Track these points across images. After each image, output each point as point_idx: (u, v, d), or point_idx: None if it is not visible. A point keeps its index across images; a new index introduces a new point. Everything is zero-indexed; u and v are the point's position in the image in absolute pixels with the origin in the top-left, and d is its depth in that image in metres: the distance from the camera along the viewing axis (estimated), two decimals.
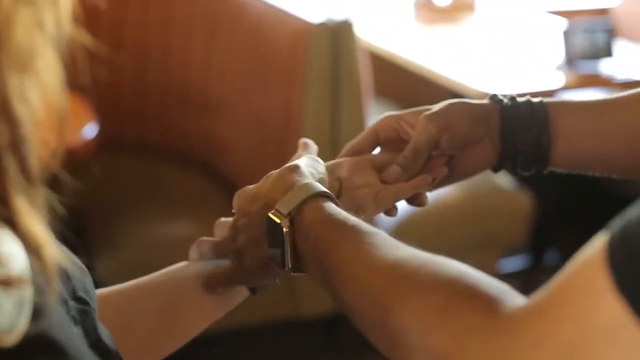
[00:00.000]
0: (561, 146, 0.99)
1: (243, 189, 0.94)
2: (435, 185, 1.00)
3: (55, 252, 0.57)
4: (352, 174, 0.98)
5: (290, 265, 0.85)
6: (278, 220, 0.84)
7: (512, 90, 2.78)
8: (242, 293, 0.96)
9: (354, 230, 0.80)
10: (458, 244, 2.69)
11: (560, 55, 2.96)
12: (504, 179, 2.79)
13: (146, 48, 2.91)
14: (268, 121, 2.60)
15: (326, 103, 2.47)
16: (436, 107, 1.00)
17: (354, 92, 2.48)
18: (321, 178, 0.90)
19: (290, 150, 2.58)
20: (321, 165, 0.93)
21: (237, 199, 0.93)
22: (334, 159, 2.55)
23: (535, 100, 1.01)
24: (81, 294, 0.70)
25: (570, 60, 2.93)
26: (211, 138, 2.84)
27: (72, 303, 0.68)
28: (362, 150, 1.02)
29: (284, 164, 2.85)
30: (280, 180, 0.88)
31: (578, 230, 3.57)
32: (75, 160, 2.32)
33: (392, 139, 1.02)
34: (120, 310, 0.92)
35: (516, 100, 1.01)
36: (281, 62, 2.54)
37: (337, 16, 2.48)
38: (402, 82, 3.52)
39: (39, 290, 0.57)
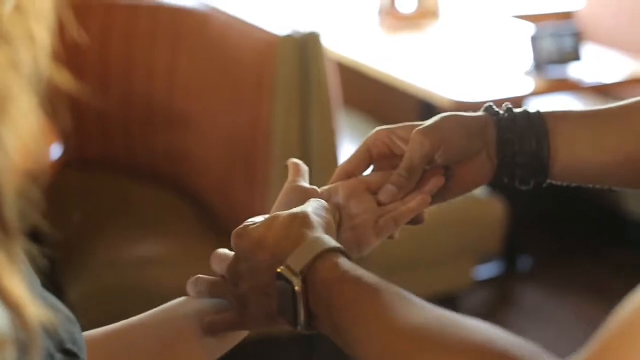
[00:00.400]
0: (561, 158, 0.97)
1: (243, 227, 0.89)
2: (434, 201, 0.97)
3: (37, 310, 0.54)
4: (349, 200, 0.95)
5: (303, 325, 0.82)
6: (290, 279, 0.81)
7: (481, 97, 2.80)
8: (243, 332, 0.93)
9: (370, 288, 0.77)
10: (434, 253, 2.69)
11: (529, 61, 2.97)
12: (482, 190, 2.78)
13: (108, 63, 2.87)
14: (236, 136, 2.58)
15: (295, 116, 2.45)
16: (429, 122, 0.97)
17: (324, 104, 2.46)
18: (327, 222, 0.87)
19: (259, 165, 2.57)
20: (325, 209, 0.89)
21: (238, 239, 0.87)
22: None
23: (533, 111, 0.99)
24: (69, 346, 0.68)
25: (539, 65, 2.94)
26: (178, 154, 2.82)
27: (59, 356, 0.66)
28: (356, 170, 0.99)
29: (253, 180, 2.79)
30: (289, 231, 0.84)
31: (551, 236, 3.59)
32: (41, 182, 2.28)
33: (384, 154, 0.99)
34: (112, 354, 0.88)
35: (513, 112, 0.98)
36: (248, 76, 2.52)
37: (304, 28, 2.46)
38: (370, 92, 3.52)
39: (22, 350, 0.54)
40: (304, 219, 0.85)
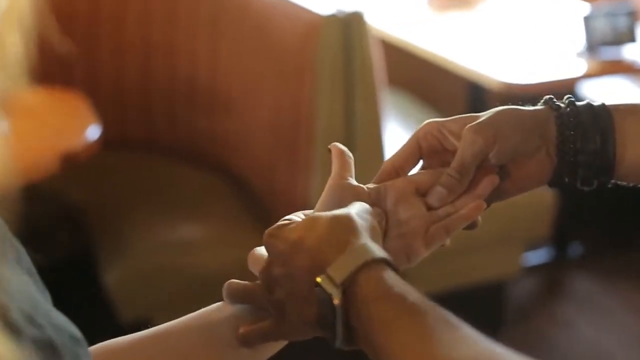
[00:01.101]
0: (629, 157, 0.90)
1: (277, 226, 0.82)
2: (487, 202, 0.90)
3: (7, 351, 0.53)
4: (397, 205, 0.89)
5: (341, 341, 0.76)
6: (329, 291, 0.75)
7: (532, 79, 2.75)
8: (277, 345, 0.87)
9: (414, 309, 0.72)
10: (481, 239, 2.65)
11: (581, 41, 2.90)
12: None
13: (150, 46, 2.87)
14: (279, 118, 2.56)
15: (339, 97, 2.42)
16: (483, 116, 0.91)
17: (368, 84, 2.42)
18: (373, 227, 0.81)
19: (302, 148, 2.55)
20: (369, 213, 0.83)
21: (271, 240, 0.81)
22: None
23: (597, 104, 0.92)
24: None
25: (592, 46, 2.87)
26: (221, 136, 2.81)
27: None
28: (405, 165, 0.93)
29: (296, 164, 2.78)
30: (331, 235, 0.78)
31: (603, 222, 3.53)
32: (78, 163, 2.29)
33: (434, 149, 0.93)
34: None
35: (575, 105, 0.91)
36: (291, 57, 2.49)
37: (347, 7, 2.43)
38: (417, 72, 3.47)
39: None
40: (348, 222, 0.79)
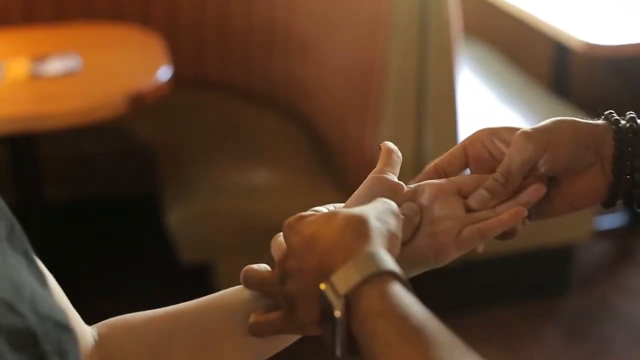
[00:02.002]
0: None
1: (297, 217, 0.80)
2: (533, 216, 0.88)
3: None
4: (434, 201, 0.86)
5: (340, 354, 0.73)
6: (331, 300, 0.73)
7: (618, 40, 2.68)
8: (294, 336, 0.85)
9: (417, 334, 0.68)
10: None
11: None
12: None
13: None
14: (353, 66, 2.55)
15: (413, 49, 2.40)
16: (539, 125, 0.87)
17: (443, 36, 2.40)
18: (391, 233, 0.78)
19: (373, 98, 2.53)
20: (393, 214, 0.80)
21: (289, 232, 0.79)
22: (419, 113, 2.46)
23: None
24: (55, 358, 0.65)
25: None
26: (295, 80, 2.81)
27: None
28: (447, 168, 0.90)
29: (366, 114, 2.77)
30: (341, 238, 0.75)
31: None
32: (147, 104, 2.31)
33: (482, 157, 0.90)
34: (149, 344, 0.83)
35: (636, 121, 0.88)
36: (367, 5, 2.48)
37: None
38: (498, 23, 3.41)
39: None
40: (360, 224, 0.76)
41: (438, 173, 0.90)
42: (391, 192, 0.86)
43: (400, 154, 0.91)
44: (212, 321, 0.84)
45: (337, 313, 0.72)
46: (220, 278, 2.48)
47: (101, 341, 0.83)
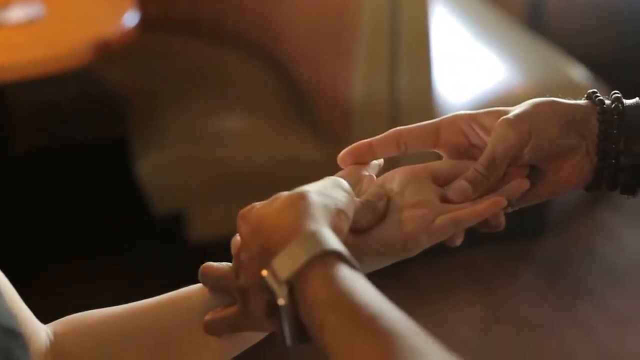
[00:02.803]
0: None
1: (250, 207, 0.76)
2: (515, 204, 0.84)
3: None
4: (405, 186, 0.81)
5: (290, 343, 0.69)
6: (274, 289, 0.68)
7: None
8: (258, 334, 0.81)
9: (371, 326, 0.63)
10: None
11: None
12: (579, 72, 2.70)
13: None
14: (325, 5, 2.54)
15: None
16: (518, 109, 0.83)
17: None
18: (338, 208, 0.73)
19: (346, 38, 2.51)
20: (340, 189, 0.76)
21: (241, 221, 0.75)
22: (392, 52, 2.44)
23: None
24: None
25: None
26: (267, 20, 2.78)
27: None
28: (412, 143, 0.84)
29: (340, 54, 2.74)
30: (282, 219, 0.71)
31: None
32: (115, 50, 2.29)
33: (457, 142, 0.85)
34: (101, 345, 0.80)
35: (622, 101, 0.84)
36: None
37: None
38: None
39: None
40: (299, 200, 0.71)
41: (399, 143, 0.85)
42: (359, 182, 0.83)
43: (382, 162, 0.86)
44: (170, 320, 0.80)
45: (281, 301, 0.68)
46: (194, 227, 2.48)
47: (56, 341, 0.81)
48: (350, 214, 0.75)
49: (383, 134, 0.85)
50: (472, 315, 2.53)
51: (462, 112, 0.86)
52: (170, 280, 2.70)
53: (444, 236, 0.80)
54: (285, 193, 0.73)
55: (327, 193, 0.74)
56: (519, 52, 2.81)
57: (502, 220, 0.82)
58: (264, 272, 0.69)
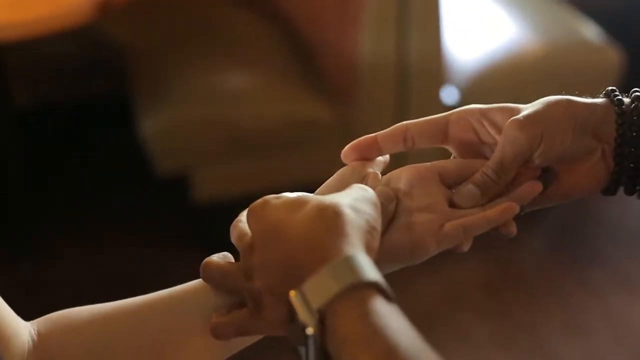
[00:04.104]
0: None
1: (262, 202, 0.72)
2: (526, 207, 0.81)
3: None
4: (413, 188, 0.79)
5: None
6: (303, 316, 0.65)
7: None
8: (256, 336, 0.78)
9: None
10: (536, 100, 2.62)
11: None
12: (591, 31, 2.69)
13: None
14: None
15: None
16: (530, 108, 0.80)
17: None
18: (369, 225, 0.70)
19: None
20: (370, 203, 0.73)
21: (253, 219, 0.72)
22: (400, 12, 2.40)
23: None
24: None
25: None
26: None
27: None
28: (420, 138, 0.82)
29: (346, 13, 2.70)
30: (312, 235, 0.67)
31: None
32: (117, 7, 2.28)
33: (467, 139, 0.82)
34: (91, 349, 0.76)
35: None
36: None
37: None
38: None
39: None
40: (334, 216, 0.68)
41: (405, 138, 0.82)
42: (364, 180, 0.81)
43: (388, 158, 0.84)
44: (167, 320, 0.76)
45: (310, 330, 0.65)
46: (199, 188, 2.49)
47: (40, 342, 0.76)
48: (380, 228, 0.72)
49: (389, 129, 0.83)
50: (481, 279, 2.55)
51: (473, 106, 0.83)
52: (175, 243, 2.73)
53: (453, 243, 0.77)
54: (313, 198, 0.71)
55: (359, 208, 0.71)
56: (530, 9, 2.79)
57: (514, 227, 0.79)
58: (292, 293, 0.66)
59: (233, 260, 0.76)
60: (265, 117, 2.48)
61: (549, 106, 0.79)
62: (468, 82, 2.50)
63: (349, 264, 0.65)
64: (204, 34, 2.75)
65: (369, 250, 0.69)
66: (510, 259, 2.64)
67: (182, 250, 2.47)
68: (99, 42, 2.85)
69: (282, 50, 2.69)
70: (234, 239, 0.75)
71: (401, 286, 0.76)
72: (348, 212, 0.69)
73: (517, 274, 2.59)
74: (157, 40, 2.74)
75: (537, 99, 2.75)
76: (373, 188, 0.78)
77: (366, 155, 0.83)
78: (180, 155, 2.49)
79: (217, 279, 0.75)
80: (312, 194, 0.75)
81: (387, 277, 0.68)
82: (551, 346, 2.36)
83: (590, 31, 2.67)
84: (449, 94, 2.47)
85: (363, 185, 0.76)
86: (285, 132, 2.47)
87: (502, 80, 2.55)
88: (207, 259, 0.75)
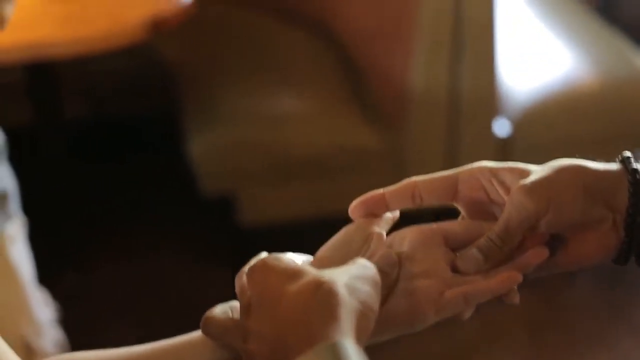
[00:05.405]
0: None
1: (260, 263, 0.73)
2: (532, 273, 0.80)
3: None
4: (416, 250, 0.79)
5: None
6: None
7: None
8: None
9: None
10: (593, 135, 2.60)
11: None
12: None
13: None
14: None
15: None
16: (538, 173, 0.78)
17: None
18: (365, 305, 0.70)
19: (407, 19, 2.49)
20: (371, 281, 0.72)
21: (251, 278, 0.73)
22: (454, 40, 2.39)
23: None
24: None
25: None
26: None
27: None
28: (428, 196, 0.81)
29: (399, 36, 2.69)
30: (306, 311, 0.67)
31: None
32: (171, 26, 2.31)
33: (476, 197, 0.81)
34: None
35: None
36: None
37: None
38: None
39: None
40: (328, 296, 0.67)
41: (414, 196, 0.81)
42: (368, 240, 0.80)
43: (397, 214, 0.83)
44: None
45: None
46: (244, 211, 2.50)
47: None
48: (377, 308, 0.71)
49: (397, 185, 0.82)
50: (524, 316, 2.52)
51: (483, 164, 0.81)
52: (216, 264, 2.75)
53: (453, 312, 0.77)
54: (309, 273, 0.70)
55: (356, 287, 0.70)
56: (588, 41, 2.78)
57: (517, 296, 0.78)
58: None
59: (236, 313, 0.76)
60: (313, 142, 2.49)
61: (559, 172, 0.78)
62: (521, 114, 2.49)
63: (334, 351, 0.65)
64: (256, 53, 2.78)
65: (360, 332, 0.68)
66: (556, 297, 2.61)
67: (226, 271, 2.47)
68: (150, 60, 2.89)
69: (333, 74, 2.71)
70: (236, 290, 0.75)
71: None
72: (343, 293, 0.68)
73: (562, 314, 2.56)
74: (208, 59, 2.77)
75: (591, 134, 2.73)
76: (376, 251, 0.78)
77: (373, 212, 0.82)
78: (226, 176, 2.50)
79: (216, 336, 0.76)
80: (310, 267, 0.73)
81: None
82: None
83: None
84: (501, 126, 2.46)
85: (365, 262, 0.74)
86: (334, 158, 2.48)
87: (556, 113, 2.54)
88: (208, 313, 0.76)
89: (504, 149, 2.42)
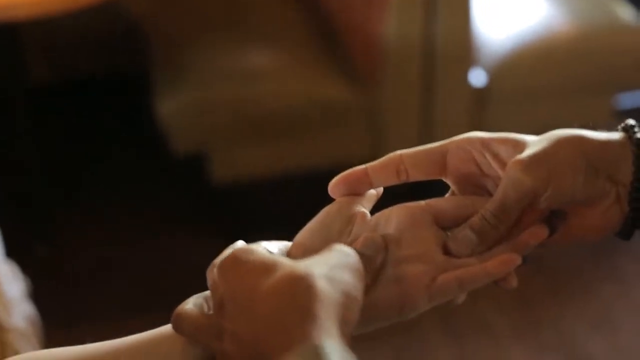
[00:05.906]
0: None
1: (231, 258, 0.67)
2: (526, 260, 0.75)
3: None
4: (403, 232, 0.73)
5: None
6: None
7: None
8: None
9: None
10: (570, 83, 2.59)
11: None
12: (626, 11, 2.65)
13: None
14: None
15: None
16: (536, 145, 0.73)
17: None
18: (347, 296, 0.64)
19: None
20: (352, 270, 0.66)
21: (221, 275, 0.67)
22: (429, 10, 2.33)
23: None
24: None
25: None
26: None
27: None
28: (414, 170, 0.76)
29: None
30: (281, 310, 0.62)
31: None
32: None
33: (467, 170, 0.76)
34: None
35: None
36: None
37: None
38: None
39: None
40: (305, 292, 0.62)
41: (399, 170, 0.76)
42: (350, 221, 0.75)
43: (381, 190, 0.78)
44: None
45: None
46: (216, 169, 2.48)
47: None
48: (361, 298, 0.66)
49: (381, 159, 0.76)
50: None
51: (473, 135, 0.76)
52: (190, 223, 2.73)
53: (447, 298, 0.72)
54: (284, 265, 0.65)
55: (336, 277, 0.65)
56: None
57: (515, 280, 0.74)
58: None
59: (209, 304, 0.70)
60: (286, 97, 2.47)
61: (558, 144, 0.73)
62: (497, 64, 2.47)
63: (317, 354, 0.59)
64: (226, 12, 2.74)
65: (345, 325, 0.63)
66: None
67: (198, 231, 2.46)
68: (118, 18, 2.84)
69: (306, 29, 2.68)
70: (208, 285, 0.70)
71: None
72: (322, 286, 0.63)
73: (545, 262, 2.57)
74: (176, 17, 2.73)
75: (568, 82, 2.69)
76: (359, 233, 0.73)
77: (356, 190, 0.76)
78: (198, 134, 2.48)
79: (188, 333, 0.69)
80: (285, 258, 0.69)
81: None
82: (576, 341, 2.33)
83: (624, 12, 2.64)
84: (477, 77, 2.44)
85: (344, 248, 0.69)
86: (307, 113, 2.45)
87: (532, 62, 2.52)
88: (178, 309, 0.70)
89: (479, 99, 2.41)
